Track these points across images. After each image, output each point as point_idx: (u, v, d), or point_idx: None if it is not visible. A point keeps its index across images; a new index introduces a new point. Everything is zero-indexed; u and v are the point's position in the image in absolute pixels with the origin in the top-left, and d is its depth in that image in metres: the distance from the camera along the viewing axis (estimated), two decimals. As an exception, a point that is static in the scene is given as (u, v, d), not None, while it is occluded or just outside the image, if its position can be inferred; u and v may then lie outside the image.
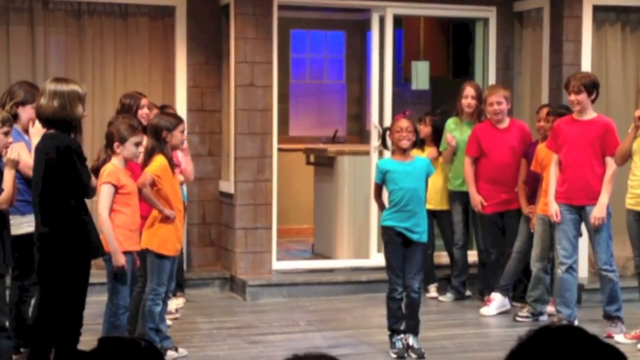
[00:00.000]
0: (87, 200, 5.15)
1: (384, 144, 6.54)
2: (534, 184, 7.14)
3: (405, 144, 6.00)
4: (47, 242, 4.91)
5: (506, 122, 7.45)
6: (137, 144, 5.43)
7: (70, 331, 4.96)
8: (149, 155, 5.65)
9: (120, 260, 5.29)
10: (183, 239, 7.54)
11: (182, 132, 5.88)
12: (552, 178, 6.67)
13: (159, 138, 5.67)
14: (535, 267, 7.06)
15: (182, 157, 6.87)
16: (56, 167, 4.84)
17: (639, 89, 6.61)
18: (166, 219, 5.65)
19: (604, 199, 6.53)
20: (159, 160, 5.65)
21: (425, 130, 7.97)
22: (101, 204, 5.28)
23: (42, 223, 4.92)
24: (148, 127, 5.84)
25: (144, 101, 6.45)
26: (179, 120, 5.91)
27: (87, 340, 4.68)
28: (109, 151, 5.41)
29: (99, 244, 5.06)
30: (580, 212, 6.64)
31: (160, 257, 5.70)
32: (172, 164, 5.76)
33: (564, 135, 6.62)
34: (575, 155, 6.57)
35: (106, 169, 5.32)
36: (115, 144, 5.34)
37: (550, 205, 6.66)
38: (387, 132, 6.28)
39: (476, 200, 7.43)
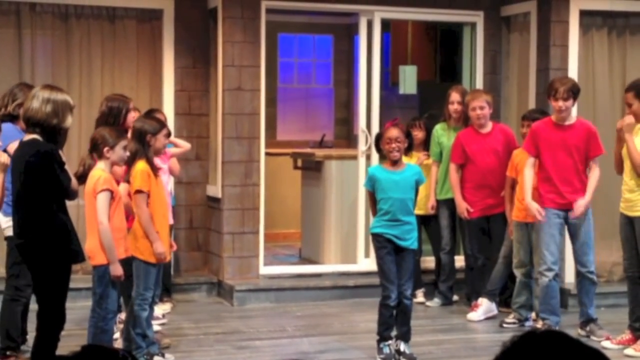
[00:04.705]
0: (71, 205, 5.14)
1: (378, 150, 6.47)
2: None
3: (395, 155, 5.94)
4: (27, 248, 4.90)
5: (489, 127, 7.47)
6: (125, 148, 5.42)
7: (49, 335, 4.95)
8: (132, 159, 5.61)
9: (118, 270, 5.27)
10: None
11: (165, 136, 5.85)
12: (527, 180, 6.65)
13: (143, 142, 5.64)
14: (519, 273, 7.07)
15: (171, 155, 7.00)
16: (36, 172, 4.82)
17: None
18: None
19: (589, 196, 6.58)
20: (140, 169, 5.58)
21: (419, 134, 7.97)
22: (101, 213, 5.21)
23: (21, 230, 4.91)
24: (132, 131, 5.79)
25: (132, 104, 6.42)
26: (162, 125, 5.88)
27: (72, 345, 4.64)
28: (94, 156, 5.38)
29: (79, 249, 5.04)
30: (566, 217, 6.66)
31: (146, 262, 5.67)
32: (154, 168, 5.70)
33: (546, 140, 6.63)
34: (562, 161, 6.60)
35: (100, 176, 5.25)
36: (106, 148, 5.31)
37: (530, 205, 6.59)
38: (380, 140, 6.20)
39: (462, 207, 7.43)
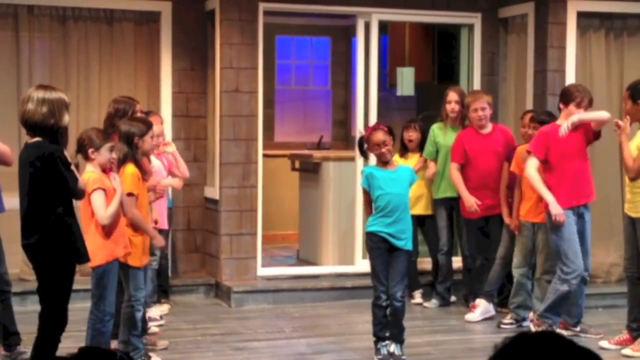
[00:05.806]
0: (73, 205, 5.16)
1: (362, 153, 6.46)
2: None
3: (387, 157, 6.00)
4: (33, 249, 4.91)
5: (489, 127, 7.47)
6: (111, 149, 5.39)
7: (50, 336, 4.96)
8: (122, 161, 5.59)
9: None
10: (168, 245, 7.54)
11: (152, 137, 5.84)
12: (541, 185, 6.54)
13: (130, 144, 5.62)
14: (517, 273, 7.06)
15: (172, 160, 6.97)
16: (41, 175, 4.83)
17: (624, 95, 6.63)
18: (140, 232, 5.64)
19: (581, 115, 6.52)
20: (130, 172, 5.56)
21: (414, 136, 7.97)
22: (99, 210, 5.21)
23: (29, 233, 4.91)
24: (118, 134, 5.76)
25: (138, 107, 6.40)
26: (149, 126, 5.84)
27: (70, 347, 4.64)
28: (80, 156, 5.35)
29: (83, 250, 5.05)
30: (578, 214, 6.63)
31: (131, 266, 5.64)
32: (142, 171, 5.69)
33: (560, 144, 6.56)
34: (578, 163, 6.56)
35: (89, 177, 5.26)
36: (90, 150, 5.28)
37: (557, 210, 6.44)
38: (364, 142, 6.17)
39: (470, 201, 7.32)
